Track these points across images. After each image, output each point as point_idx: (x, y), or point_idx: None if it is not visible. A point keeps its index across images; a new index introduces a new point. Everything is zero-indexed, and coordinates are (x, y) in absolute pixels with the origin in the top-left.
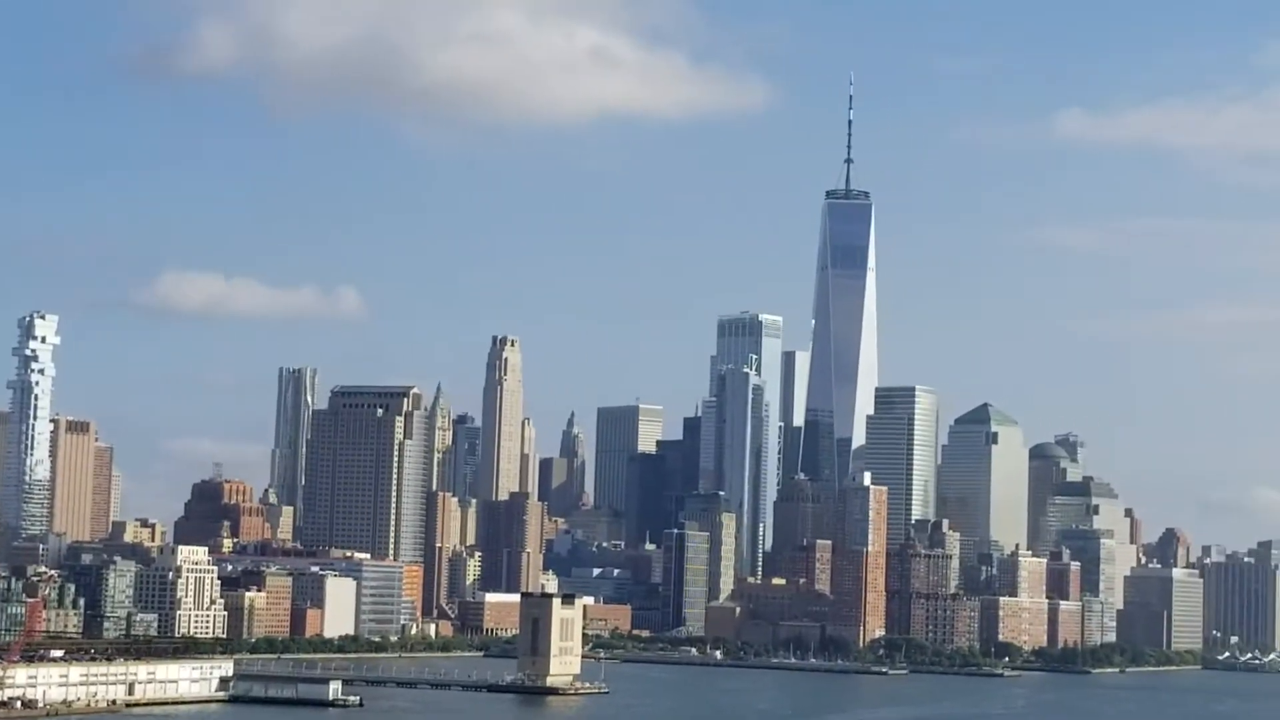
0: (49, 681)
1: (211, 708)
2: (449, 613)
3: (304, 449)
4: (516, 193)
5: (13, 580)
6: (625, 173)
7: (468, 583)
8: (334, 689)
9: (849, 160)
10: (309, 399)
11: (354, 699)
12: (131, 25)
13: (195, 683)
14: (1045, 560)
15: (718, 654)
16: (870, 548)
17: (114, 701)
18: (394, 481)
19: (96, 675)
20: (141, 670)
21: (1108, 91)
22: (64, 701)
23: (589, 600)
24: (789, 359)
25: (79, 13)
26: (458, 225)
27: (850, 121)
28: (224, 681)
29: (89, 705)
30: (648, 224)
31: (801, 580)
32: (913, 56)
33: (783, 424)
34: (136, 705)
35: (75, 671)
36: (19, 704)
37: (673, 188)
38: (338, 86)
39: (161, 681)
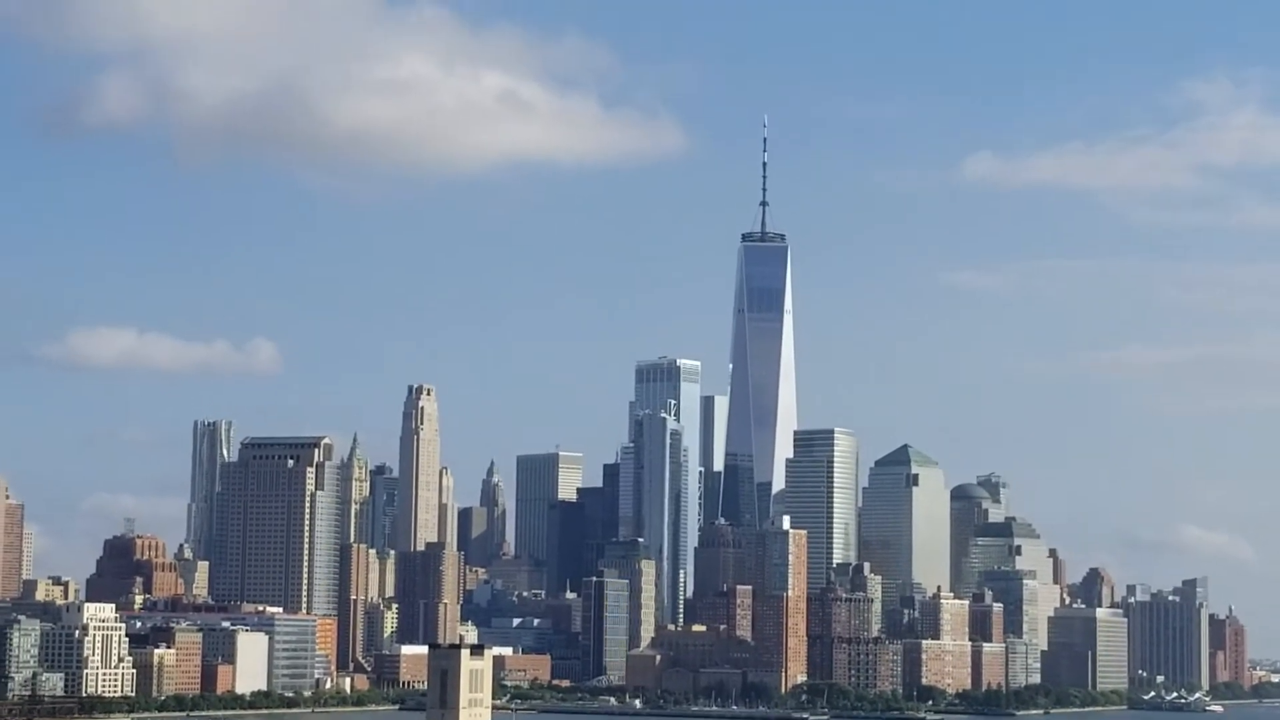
0: None
1: None
2: (365, 666)
3: (215, 502)
4: (430, 241)
5: None
6: (539, 218)
7: (385, 635)
8: None
9: (764, 203)
10: (224, 452)
11: None
12: (33, 81)
13: None
14: (968, 602)
15: (637, 703)
16: (791, 592)
17: None
18: (306, 533)
19: None
20: None
21: (1016, 134)
22: None
23: (508, 651)
24: (707, 403)
25: None
26: (371, 275)
27: (765, 164)
28: None
29: None
30: (563, 270)
31: (722, 627)
32: (825, 100)
33: (702, 469)
34: None
35: None
36: None
37: (587, 233)
38: (245, 138)
39: None
